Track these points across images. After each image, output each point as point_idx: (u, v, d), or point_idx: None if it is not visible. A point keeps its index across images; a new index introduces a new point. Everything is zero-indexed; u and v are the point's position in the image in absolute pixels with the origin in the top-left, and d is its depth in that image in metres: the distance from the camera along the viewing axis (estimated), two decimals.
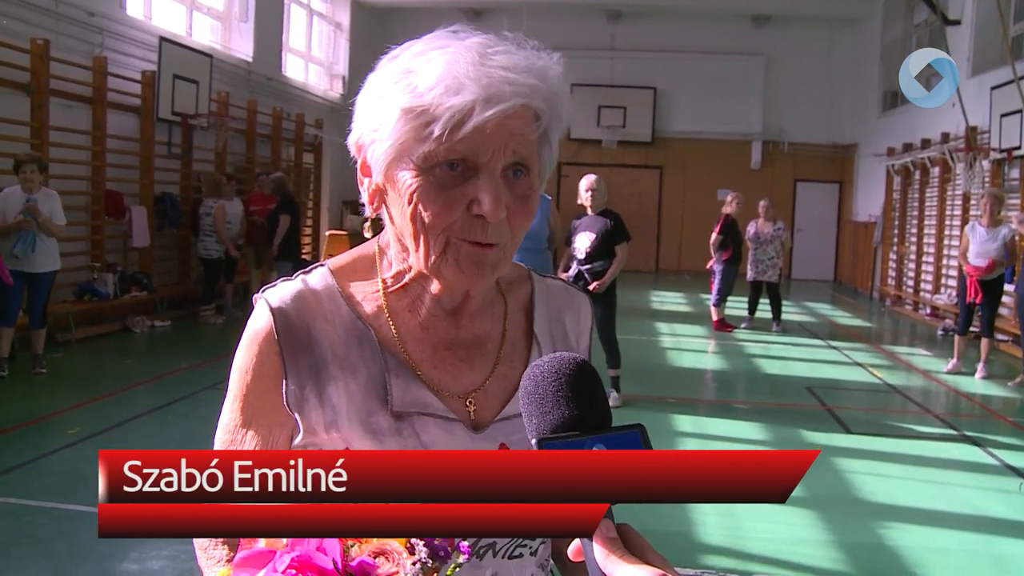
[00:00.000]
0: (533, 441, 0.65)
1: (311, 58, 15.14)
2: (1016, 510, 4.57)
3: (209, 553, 0.98)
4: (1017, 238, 7.87)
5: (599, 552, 0.62)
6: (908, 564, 3.81)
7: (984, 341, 7.95)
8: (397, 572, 0.69)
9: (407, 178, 0.89)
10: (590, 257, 6.05)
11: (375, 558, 0.71)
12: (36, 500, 4.11)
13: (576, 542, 0.64)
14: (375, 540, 0.72)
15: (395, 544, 0.72)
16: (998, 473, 5.22)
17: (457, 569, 0.74)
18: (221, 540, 0.98)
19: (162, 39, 9.52)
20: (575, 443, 0.64)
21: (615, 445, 0.64)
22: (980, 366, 7.95)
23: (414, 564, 0.71)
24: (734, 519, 4.24)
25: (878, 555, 3.92)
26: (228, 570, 0.72)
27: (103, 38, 8.83)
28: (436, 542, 0.73)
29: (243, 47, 12.17)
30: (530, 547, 1.03)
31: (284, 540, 0.71)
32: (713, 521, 4.19)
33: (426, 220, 0.89)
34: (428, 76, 0.86)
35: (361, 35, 16.14)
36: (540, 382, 0.69)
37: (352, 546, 0.70)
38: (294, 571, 0.68)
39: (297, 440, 0.98)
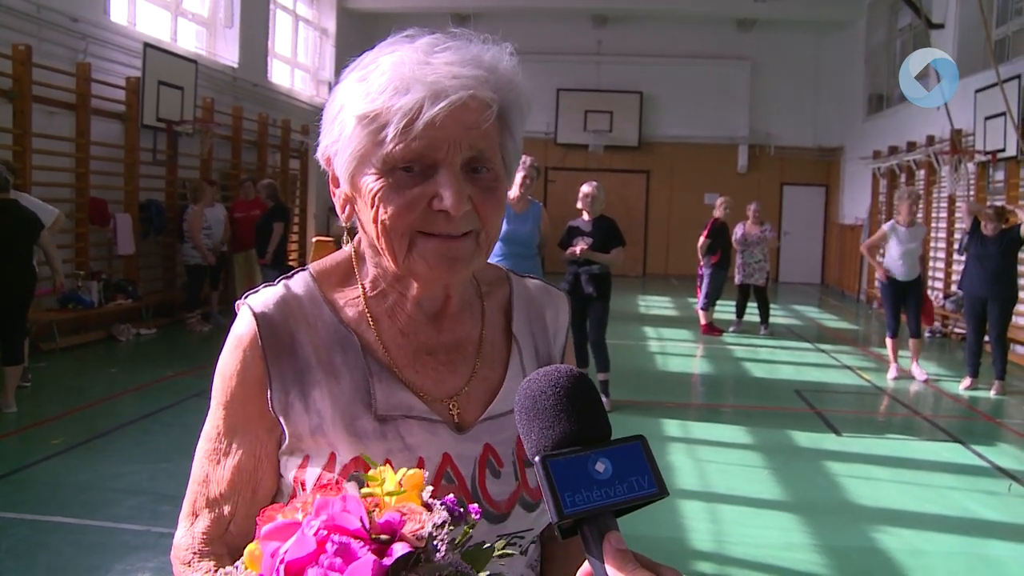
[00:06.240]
0: (536, 458, 0.63)
1: (297, 64, 15.10)
2: (1005, 512, 4.58)
3: (195, 565, 0.96)
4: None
5: (611, 566, 0.61)
6: (898, 567, 3.80)
7: (912, 342, 7.99)
8: (422, 527, 0.70)
9: (369, 182, 0.90)
10: (588, 260, 6.20)
11: (400, 516, 0.72)
12: (18, 512, 4.05)
13: (586, 566, 0.64)
14: (394, 503, 0.73)
15: (414, 505, 0.72)
16: (987, 475, 5.23)
17: (470, 532, 0.75)
18: (204, 556, 0.96)
19: (146, 45, 9.46)
20: (578, 459, 0.63)
21: (618, 459, 0.64)
22: (914, 366, 8.02)
23: (436, 519, 0.72)
24: (723, 524, 4.23)
25: (868, 559, 3.91)
26: (256, 544, 0.71)
27: (87, 44, 8.77)
28: (450, 498, 0.74)
29: (228, 53, 12.12)
30: (520, 546, 1.02)
31: (304, 510, 0.71)
32: (703, 527, 4.18)
33: (387, 221, 0.89)
34: (378, 81, 0.87)
35: (347, 41, 16.10)
36: (538, 397, 0.67)
37: (373, 511, 0.71)
38: (326, 532, 0.68)
39: (284, 446, 0.97)
